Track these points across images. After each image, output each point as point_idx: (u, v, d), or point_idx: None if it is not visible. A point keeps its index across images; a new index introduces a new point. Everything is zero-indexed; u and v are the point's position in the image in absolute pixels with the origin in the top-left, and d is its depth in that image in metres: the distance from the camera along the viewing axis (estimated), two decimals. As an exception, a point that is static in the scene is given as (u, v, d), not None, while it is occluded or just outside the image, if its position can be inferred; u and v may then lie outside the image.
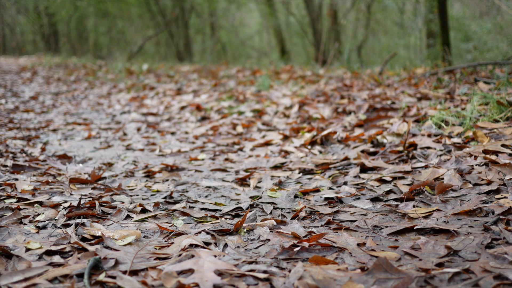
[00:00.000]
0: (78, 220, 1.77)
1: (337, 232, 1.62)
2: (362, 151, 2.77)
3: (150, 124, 4.76)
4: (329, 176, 2.43)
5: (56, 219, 1.81)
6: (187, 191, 2.32)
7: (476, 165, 2.19)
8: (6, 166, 2.77)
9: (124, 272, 1.31)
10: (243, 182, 2.48)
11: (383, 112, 3.72)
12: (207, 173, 2.72)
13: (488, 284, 1.16)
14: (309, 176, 2.49)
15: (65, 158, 3.17)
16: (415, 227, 1.60)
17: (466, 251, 1.38)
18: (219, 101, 5.64)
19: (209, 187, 2.40)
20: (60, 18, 24.34)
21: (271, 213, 1.91)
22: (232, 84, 7.15)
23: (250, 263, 1.38)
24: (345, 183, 2.28)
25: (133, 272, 1.32)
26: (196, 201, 2.12)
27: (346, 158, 2.68)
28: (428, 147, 2.67)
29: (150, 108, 5.80)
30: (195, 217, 1.87)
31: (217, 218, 1.87)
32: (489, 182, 1.96)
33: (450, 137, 2.79)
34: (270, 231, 1.65)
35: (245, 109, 4.86)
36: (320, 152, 3.02)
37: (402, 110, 3.59)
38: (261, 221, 1.76)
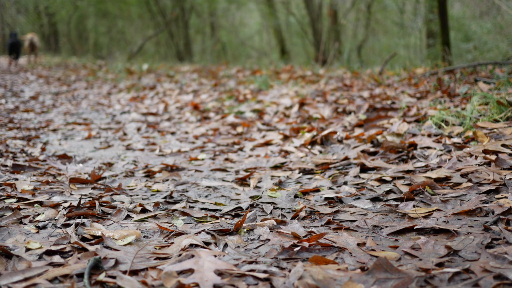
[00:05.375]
0: (78, 220, 1.77)
1: (337, 232, 1.62)
2: (362, 151, 2.77)
3: (150, 124, 4.76)
4: (329, 176, 2.43)
5: (56, 219, 1.81)
6: (187, 191, 2.32)
7: (476, 164, 2.19)
8: (6, 166, 2.77)
9: (124, 272, 1.31)
10: (243, 182, 2.48)
11: (383, 112, 3.72)
12: (207, 173, 2.72)
13: (488, 284, 1.16)
14: (309, 176, 2.49)
15: (65, 158, 3.17)
16: (415, 227, 1.60)
17: (466, 251, 1.38)
18: (219, 101, 5.64)
19: (209, 187, 2.40)
20: (60, 18, 24.35)
21: (271, 213, 1.90)
22: (232, 84, 7.16)
23: (250, 263, 1.38)
24: (345, 183, 2.28)
25: (133, 272, 1.32)
26: (196, 201, 2.12)
27: (346, 158, 2.68)
28: (428, 147, 2.67)
29: (150, 108, 5.80)
30: (195, 217, 1.87)
31: (217, 218, 1.87)
32: (489, 182, 1.96)
33: (450, 137, 2.79)
34: (270, 231, 1.65)
35: (245, 109, 4.86)
36: (320, 152, 3.02)
37: (402, 110, 3.59)
38: (261, 221, 1.76)
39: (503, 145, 2.31)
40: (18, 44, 14.06)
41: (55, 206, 1.98)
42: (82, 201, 2.03)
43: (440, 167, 2.27)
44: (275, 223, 1.72)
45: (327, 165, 2.64)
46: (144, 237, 1.64)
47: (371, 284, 1.20)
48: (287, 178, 2.49)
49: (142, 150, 3.54)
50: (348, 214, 1.83)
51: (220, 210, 1.98)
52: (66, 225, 1.75)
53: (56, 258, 1.41)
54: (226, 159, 3.09)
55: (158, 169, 2.79)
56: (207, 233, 1.64)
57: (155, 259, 1.42)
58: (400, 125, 3.08)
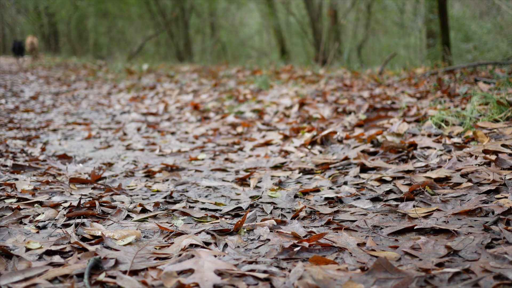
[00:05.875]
0: (78, 220, 1.77)
1: (337, 232, 1.62)
2: (362, 151, 2.77)
3: (150, 124, 4.76)
4: (329, 176, 2.43)
5: (56, 219, 1.81)
6: (187, 191, 2.32)
7: (476, 164, 2.19)
8: (6, 166, 2.77)
9: (124, 272, 1.31)
10: (243, 182, 2.48)
11: (383, 112, 3.72)
12: (207, 173, 2.72)
13: (488, 284, 1.16)
14: (309, 176, 2.49)
15: (65, 158, 3.17)
16: (415, 227, 1.60)
17: (466, 251, 1.38)
18: (219, 101, 5.64)
19: (209, 187, 2.40)
20: (60, 18, 24.37)
21: (271, 213, 1.90)
22: (232, 84, 7.16)
23: (250, 263, 1.38)
24: (345, 183, 2.28)
25: (133, 272, 1.32)
26: (196, 201, 2.12)
27: (346, 158, 2.68)
28: (428, 147, 2.67)
29: (150, 108, 5.80)
30: (195, 217, 1.87)
31: (217, 218, 1.87)
32: (489, 182, 1.96)
33: (450, 137, 2.79)
34: (270, 231, 1.65)
35: (245, 109, 4.86)
36: (320, 152, 3.02)
37: (402, 110, 3.59)
38: (261, 221, 1.76)
39: (503, 145, 2.31)
40: (22, 49, 17.41)
41: (55, 206, 1.98)
42: (82, 201, 2.03)
43: (440, 167, 2.27)
44: (275, 223, 1.72)
45: (327, 165, 2.64)
46: (144, 237, 1.64)
47: (371, 284, 1.20)
48: (287, 178, 2.49)
49: (142, 150, 3.54)
50: (348, 214, 1.83)
51: (220, 210, 1.98)
52: (66, 225, 1.75)
53: (56, 258, 1.41)
54: (226, 159, 3.09)
55: (158, 169, 2.79)
56: (207, 233, 1.64)
57: (155, 259, 1.42)
58: (400, 125, 3.08)
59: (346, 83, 5.60)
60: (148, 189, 2.37)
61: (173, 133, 4.26)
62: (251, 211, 1.91)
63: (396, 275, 1.22)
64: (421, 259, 1.35)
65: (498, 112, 2.87)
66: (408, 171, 2.30)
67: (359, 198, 2.03)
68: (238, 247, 1.54)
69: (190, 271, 1.29)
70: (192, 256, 1.39)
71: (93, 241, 1.56)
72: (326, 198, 2.05)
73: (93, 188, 2.37)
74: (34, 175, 2.60)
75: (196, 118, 4.83)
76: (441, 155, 2.48)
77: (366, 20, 19.13)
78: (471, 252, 1.37)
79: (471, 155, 2.35)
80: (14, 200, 2.05)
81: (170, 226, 1.76)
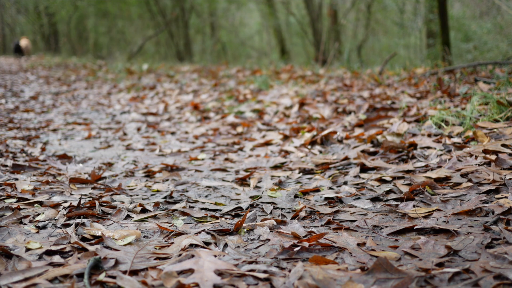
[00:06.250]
0: (78, 220, 1.77)
1: (337, 232, 1.62)
2: (362, 151, 2.77)
3: (150, 124, 4.76)
4: (329, 176, 2.43)
5: (56, 219, 1.81)
6: (187, 191, 2.32)
7: (476, 164, 2.19)
8: (6, 166, 2.77)
9: (124, 272, 1.31)
10: (243, 182, 2.48)
11: (383, 112, 3.72)
12: (207, 173, 2.72)
13: (488, 284, 1.16)
14: (309, 176, 2.49)
15: (65, 158, 3.17)
16: (415, 227, 1.60)
17: (466, 251, 1.38)
18: (219, 101, 5.64)
19: (209, 187, 2.40)
20: (60, 18, 24.37)
21: (271, 213, 1.90)
22: (232, 84, 7.15)
23: (250, 263, 1.38)
24: (345, 183, 2.28)
25: (133, 272, 1.32)
26: (196, 201, 2.12)
27: (346, 158, 2.68)
28: (428, 147, 2.67)
29: (150, 108, 5.80)
30: (195, 217, 1.87)
31: (217, 218, 1.87)
32: (489, 182, 1.96)
33: (450, 137, 2.79)
34: (270, 231, 1.65)
35: (245, 109, 4.86)
36: (320, 152, 3.02)
37: (402, 110, 3.59)
38: (261, 221, 1.76)
39: (503, 145, 2.31)
40: (20, 48, 19.76)
41: (55, 206, 1.98)
42: (82, 201, 2.03)
43: (440, 167, 2.27)
44: (275, 223, 1.72)
45: (327, 165, 2.64)
46: (144, 237, 1.64)
47: (371, 284, 1.20)
48: (287, 178, 2.49)
49: (142, 150, 3.54)
50: (348, 214, 1.83)
51: (220, 210, 1.98)
52: (66, 225, 1.75)
53: (56, 258, 1.41)
54: (226, 159, 3.09)
55: (158, 169, 2.79)
56: (207, 233, 1.64)
57: (155, 259, 1.42)
58: (400, 125, 3.08)
59: (346, 83, 5.60)
60: (148, 189, 2.37)
61: (173, 133, 4.26)
62: (251, 211, 1.91)
63: (396, 275, 1.22)
64: (421, 259, 1.35)
65: (498, 112, 2.87)
66: (408, 171, 2.30)
67: (359, 198, 2.03)
68: (238, 247, 1.54)
69: (190, 271, 1.29)
70: (192, 256, 1.39)
71: (93, 241, 1.56)
72: (326, 198, 2.05)
73: (93, 188, 2.37)
74: (34, 175, 2.60)
75: (196, 118, 4.83)
76: (441, 155, 2.48)
77: (366, 20, 19.13)
78: (471, 252, 1.37)
79: (471, 155, 2.35)
80: (14, 200, 2.05)
81: (170, 226, 1.76)
